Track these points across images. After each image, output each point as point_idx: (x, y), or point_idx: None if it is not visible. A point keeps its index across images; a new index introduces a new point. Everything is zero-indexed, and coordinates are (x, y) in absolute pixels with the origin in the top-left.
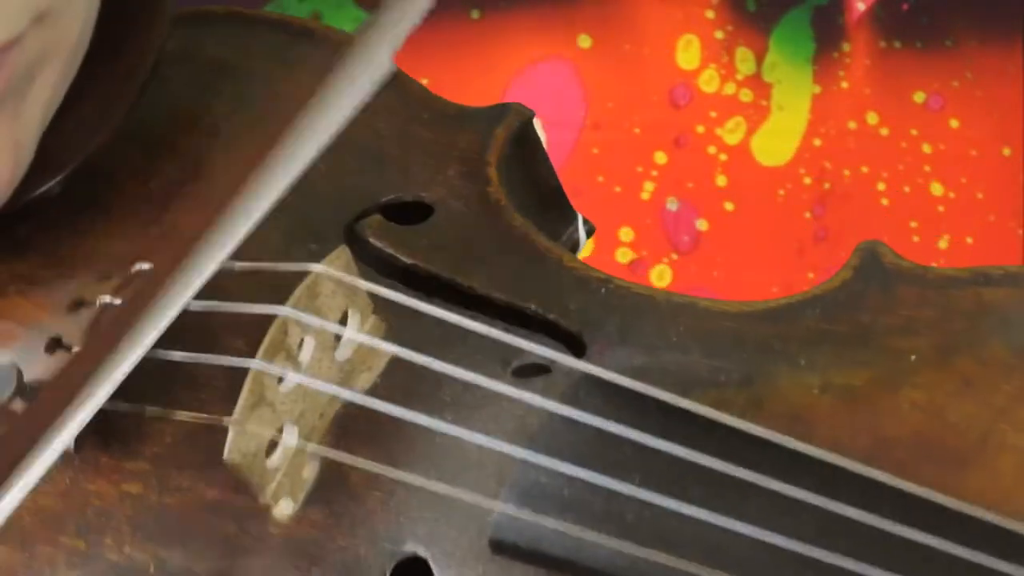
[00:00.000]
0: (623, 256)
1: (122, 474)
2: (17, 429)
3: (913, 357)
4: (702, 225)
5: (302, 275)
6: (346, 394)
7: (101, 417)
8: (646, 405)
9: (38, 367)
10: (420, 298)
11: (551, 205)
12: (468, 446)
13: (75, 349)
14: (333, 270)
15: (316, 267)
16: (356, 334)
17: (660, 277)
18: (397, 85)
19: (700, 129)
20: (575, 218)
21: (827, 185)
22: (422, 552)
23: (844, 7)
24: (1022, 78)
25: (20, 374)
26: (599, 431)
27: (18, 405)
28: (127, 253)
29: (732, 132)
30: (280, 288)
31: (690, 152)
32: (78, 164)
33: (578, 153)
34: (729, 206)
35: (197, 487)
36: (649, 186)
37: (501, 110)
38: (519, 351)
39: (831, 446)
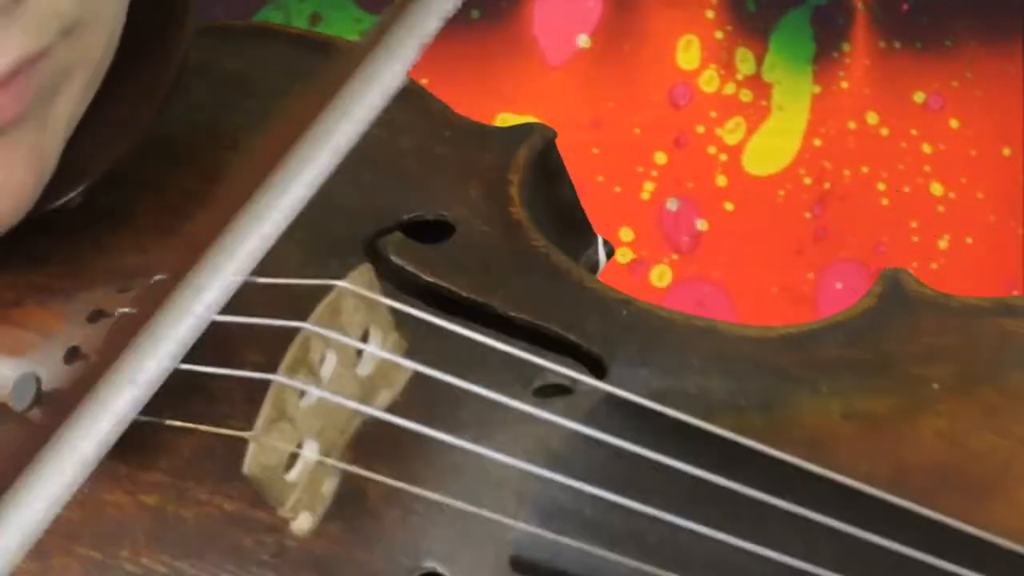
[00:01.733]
0: (623, 256)
1: (139, 485)
2: (28, 437)
3: (936, 385)
4: (702, 225)
5: (325, 291)
6: (367, 410)
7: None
8: (667, 426)
9: (57, 377)
10: (441, 317)
11: (571, 226)
12: (488, 465)
13: (92, 359)
14: (356, 287)
15: (339, 284)
16: (378, 351)
17: (660, 277)
18: (418, 102)
19: (700, 129)
20: (594, 239)
21: (827, 185)
22: (440, 569)
23: (844, 7)
24: (1022, 78)
25: (40, 383)
26: (620, 451)
27: (37, 414)
28: (147, 265)
29: (732, 132)
30: (301, 304)
31: (690, 152)
32: (100, 175)
33: (578, 153)
34: (729, 206)
35: (215, 500)
36: (649, 186)
37: (524, 130)
38: (540, 370)
39: (852, 473)
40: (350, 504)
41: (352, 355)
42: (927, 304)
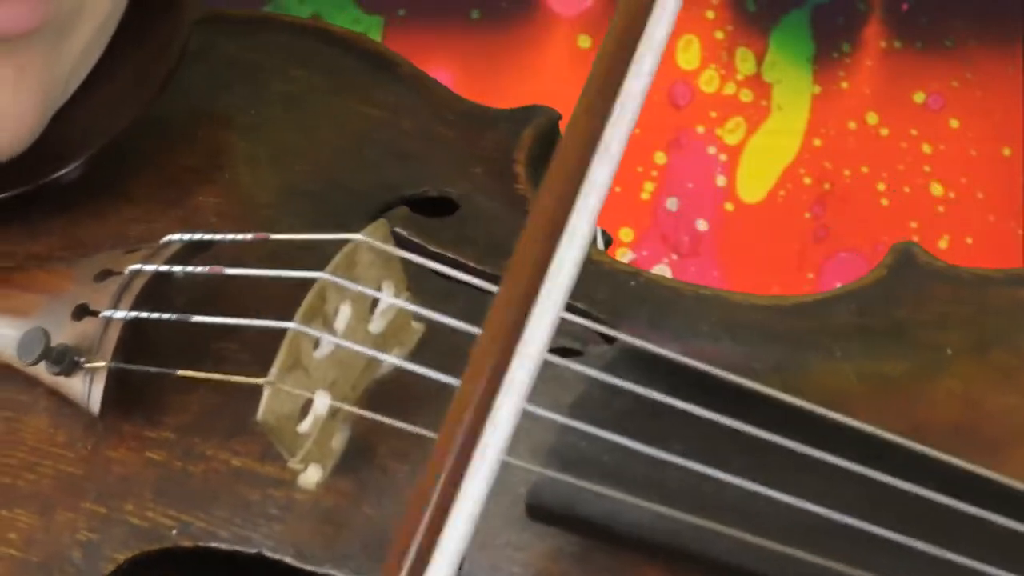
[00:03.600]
0: (622, 256)
1: (145, 442)
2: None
3: (949, 350)
4: (702, 225)
5: (341, 244)
6: (382, 357)
7: (125, 382)
8: (682, 379)
9: (65, 333)
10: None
11: None
12: None
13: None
14: (372, 240)
15: (356, 236)
16: (394, 299)
17: None
18: (420, 85)
19: (700, 129)
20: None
21: (827, 185)
22: None
23: (844, 7)
24: (1022, 78)
25: (48, 337)
26: (638, 402)
27: (43, 368)
28: (150, 234)
29: (732, 132)
30: (318, 259)
31: (690, 152)
32: (98, 150)
33: None
34: (729, 206)
35: (222, 455)
36: (649, 186)
37: (530, 111)
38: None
39: None
40: (360, 459)
41: (366, 310)
42: (938, 275)
